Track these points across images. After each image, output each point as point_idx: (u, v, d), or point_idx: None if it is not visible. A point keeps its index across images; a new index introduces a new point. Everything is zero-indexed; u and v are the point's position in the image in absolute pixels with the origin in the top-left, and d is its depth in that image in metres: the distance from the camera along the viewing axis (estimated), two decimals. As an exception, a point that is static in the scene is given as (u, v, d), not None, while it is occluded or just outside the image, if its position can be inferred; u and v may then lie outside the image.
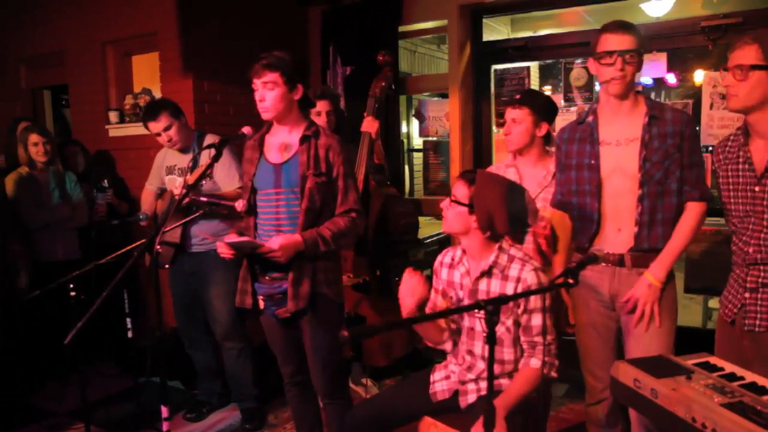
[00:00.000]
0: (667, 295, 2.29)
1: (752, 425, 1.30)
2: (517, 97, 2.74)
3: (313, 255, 2.42)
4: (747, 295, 2.05)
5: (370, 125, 3.57)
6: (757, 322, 2.02)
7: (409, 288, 2.15)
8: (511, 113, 2.70)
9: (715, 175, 2.24)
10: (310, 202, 2.42)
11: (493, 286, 2.19)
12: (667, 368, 1.62)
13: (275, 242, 2.34)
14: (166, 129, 3.26)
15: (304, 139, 2.46)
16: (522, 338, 2.17)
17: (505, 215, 2.11)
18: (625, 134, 2.27)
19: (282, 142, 2.51)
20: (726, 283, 2.21)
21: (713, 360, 1.70)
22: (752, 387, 1.52)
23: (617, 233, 2.29)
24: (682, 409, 1.45)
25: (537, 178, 2.70)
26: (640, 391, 1.59)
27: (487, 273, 2.19)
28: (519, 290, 2.13)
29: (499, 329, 2.16)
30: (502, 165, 2.88)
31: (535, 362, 2.13)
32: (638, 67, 2.24)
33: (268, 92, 2.39)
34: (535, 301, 2.13)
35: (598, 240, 2.34)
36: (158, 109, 3.27)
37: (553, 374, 2.17)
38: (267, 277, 2.51)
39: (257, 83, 2.40)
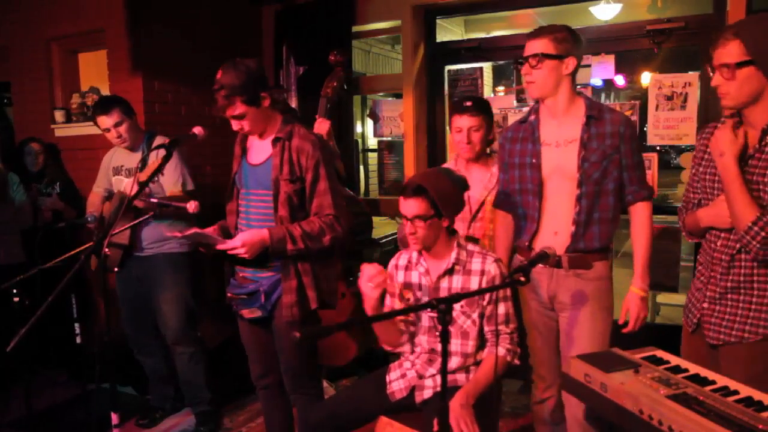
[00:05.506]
0: (604, 295, 2.32)
1: (695, 415, 1.35)
2: (469, 104, 2.71)
3: (281, 253, 2.36)
4: (705, 305, 1.97)
5: (320, 127, 3.56)
6: (715, 335, 1.94)
7: (369, 277, 2.13)
8: (468, 121, 2.68)
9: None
10: (284, 208, 2.39)
11: (455, 283, 2.22)
12: (616, 363, 1.67)
13: (239, 238, 2.31)
14: (117, 125, 3.18)
15: (276, 141, 2.42)
16: (485, 328, 2.22)
17: (460, 197, 2.23)
18: (564, 136, 2.29)
19: (260, 143, 2.49)
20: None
21: (659, 353, 1.76)
22: (695, 378, 1.58)
23: (554, 236, 2.30)
24: (630, 401, 1.49)
25: (483, 182, 2.74)
26: (590, 385, 1.63)
27: (450, 271, 2.22)
28: (483, 282, 2.19)
29: (465, 322, 2.21)
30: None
31: (500, 350, 2.17)
32: (554, 71, 2.22)
33: (243, 121, 2.36)
34: (501, 290, 2.19)
35: (537, 241, 2.35)
36: (111, 104, 3.20)
37: (516, 362, 2.24)
38: (241, 275, 2.51)
39: (228, 116, 2.35)
